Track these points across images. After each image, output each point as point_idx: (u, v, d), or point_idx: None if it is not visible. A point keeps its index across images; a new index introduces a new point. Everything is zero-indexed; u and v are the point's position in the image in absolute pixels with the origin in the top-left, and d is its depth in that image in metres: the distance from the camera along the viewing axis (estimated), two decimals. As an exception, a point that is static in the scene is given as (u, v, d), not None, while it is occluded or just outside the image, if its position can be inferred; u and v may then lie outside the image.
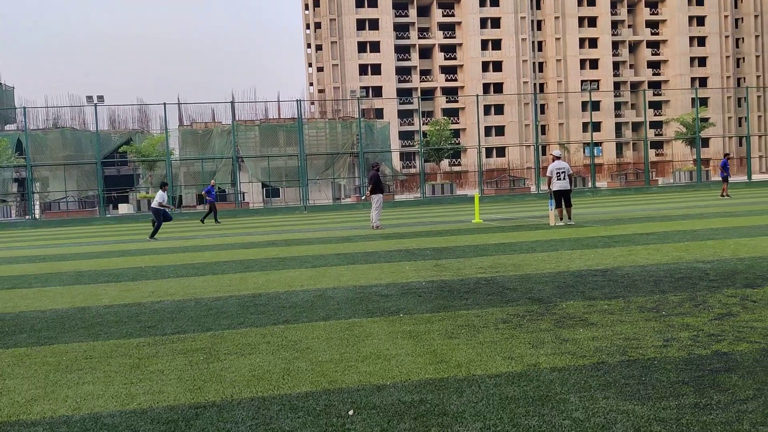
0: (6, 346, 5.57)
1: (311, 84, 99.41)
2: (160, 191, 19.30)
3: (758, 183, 43.94)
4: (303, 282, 8.47)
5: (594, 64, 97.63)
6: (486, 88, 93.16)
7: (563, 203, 16.08)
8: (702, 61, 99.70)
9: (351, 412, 3.54)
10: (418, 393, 3.80)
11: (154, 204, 19.19)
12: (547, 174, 16.26)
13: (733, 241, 10.60)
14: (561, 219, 16.21)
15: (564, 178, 15.83)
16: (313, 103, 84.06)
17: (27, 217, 40.66)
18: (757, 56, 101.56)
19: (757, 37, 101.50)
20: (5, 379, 4.57)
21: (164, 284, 8.95)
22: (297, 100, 41.67)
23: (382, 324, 5.73)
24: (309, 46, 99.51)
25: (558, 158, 16.19)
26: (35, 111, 46.67)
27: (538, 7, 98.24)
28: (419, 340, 5.09)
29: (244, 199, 43.70)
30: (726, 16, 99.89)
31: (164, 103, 40.58)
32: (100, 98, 39.11)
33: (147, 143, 43.33)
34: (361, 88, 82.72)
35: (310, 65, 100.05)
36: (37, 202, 42.18)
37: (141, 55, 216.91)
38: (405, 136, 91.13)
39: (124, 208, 44.96)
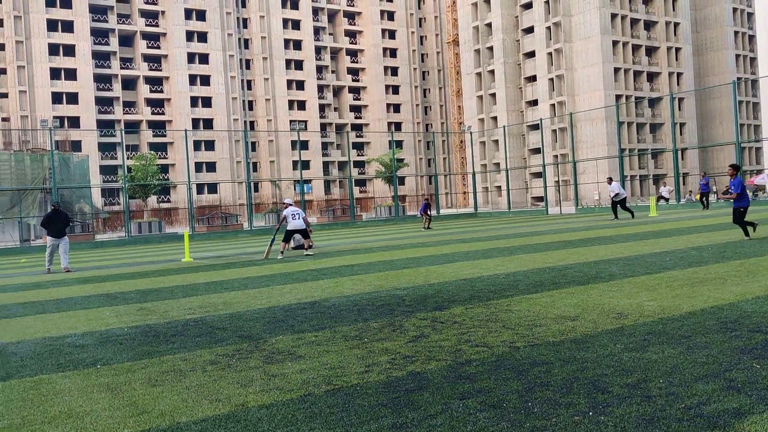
0: None
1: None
2: None
3: (446, 216, 49.59)
4: (-22, 337, 7.30)
5: (302, 105, 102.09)
6: (196, 123, 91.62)
7: (292, 240, 18.09)
8: (397, 108, 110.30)
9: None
10: (115, 451, 3.46)
11: None
12: (283, 214, 17.87)
13: (424, 269, 11.72)
14: (282, 253, 17.43)
15: (298, 218, 17.47)
16: (-5, 133, 74.55)
17: None
18: (441, 105, 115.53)
19: (440, 88, 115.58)
20: None
21: None
22: (-26, 129, 36.52)
23: (76, 378, 5.16)
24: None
25: (291, 205, 17.97)
26: None
27: (246, 47, 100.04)
28: (118, 392, 4.67)
29: None
30: (415, 69, 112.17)
31: None
32: None
33: None
34: (55, 117, 75.58)
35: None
36: None
37: None
38: (107, 170, 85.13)
39: None
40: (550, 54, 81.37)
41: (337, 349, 5.60)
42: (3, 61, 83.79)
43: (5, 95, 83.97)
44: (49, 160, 41.69)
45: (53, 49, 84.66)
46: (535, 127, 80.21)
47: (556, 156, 78.24)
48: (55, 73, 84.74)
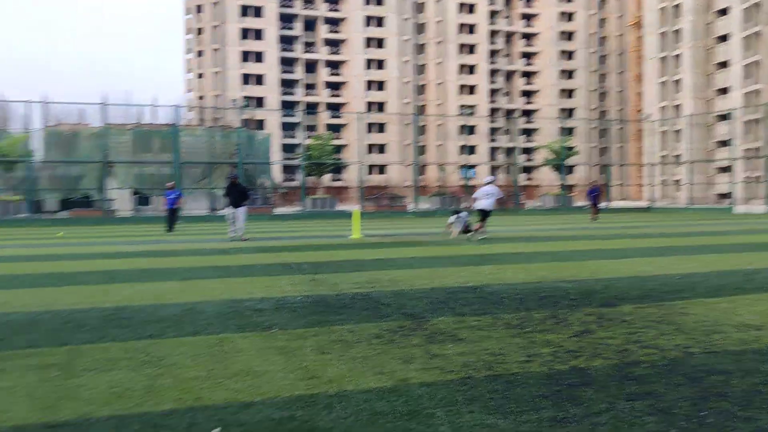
0: None
1: (190, 90, 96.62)
2: None
3: (617, 209, 47.27)
4: (172, 295, 8.14)
5: (472, 89, 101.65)
6: (369, 106, 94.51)
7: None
8: (570, 93, 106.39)
9: (217, 430, 3.42)
10: (288, 409, 3.74)
11: None
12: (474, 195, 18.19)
13: (592, 263, 11.30)
14: (474, 233, 17.68)
15: (491, 198, 17.51)
16: (191, 110, 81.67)
17: None
18: (619, 91, 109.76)
19: (619, 73, 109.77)
20: None
21: (17, 294, 8.31)
22: (174, 106, 40.35)
23: (254, 339, 5.61)
24: (190, 51, 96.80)
25: (490, 183, 17.85)
26: None
27: (421, 32, 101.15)
28: (291, 356, 5.02)
29: (111, 207, 41.57)
30: (593, 53, 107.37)
31: (27, 101, 37.97)
32: (-46, 91, 35.99)
33: (6, 143, 40.31)
34: (244, 97, 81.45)
35: (190, 71, 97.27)
36: None
37: (5, 44, 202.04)
38: (287, 148, 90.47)
39: (-23, 211, 41.42)
40: (746, 38, 74.26)
41: (498, 336, 5.59)
42: (202, 44, 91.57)
43: (201, 75, 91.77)
44: (237, 137, 45.07)
45: (244, 34, 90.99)
46: (724, 117, 73.76)
47: (746, 150, 71.56)
48: (245, 56, 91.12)
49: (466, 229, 18.41)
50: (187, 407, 3.81)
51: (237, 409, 3.77)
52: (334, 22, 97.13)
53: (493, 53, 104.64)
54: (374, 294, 8.02)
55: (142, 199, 45.74)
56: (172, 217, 23.75)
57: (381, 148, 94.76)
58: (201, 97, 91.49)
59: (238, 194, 18.52)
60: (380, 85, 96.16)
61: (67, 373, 4.57)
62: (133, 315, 6.78)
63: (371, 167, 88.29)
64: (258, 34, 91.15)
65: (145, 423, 3.54)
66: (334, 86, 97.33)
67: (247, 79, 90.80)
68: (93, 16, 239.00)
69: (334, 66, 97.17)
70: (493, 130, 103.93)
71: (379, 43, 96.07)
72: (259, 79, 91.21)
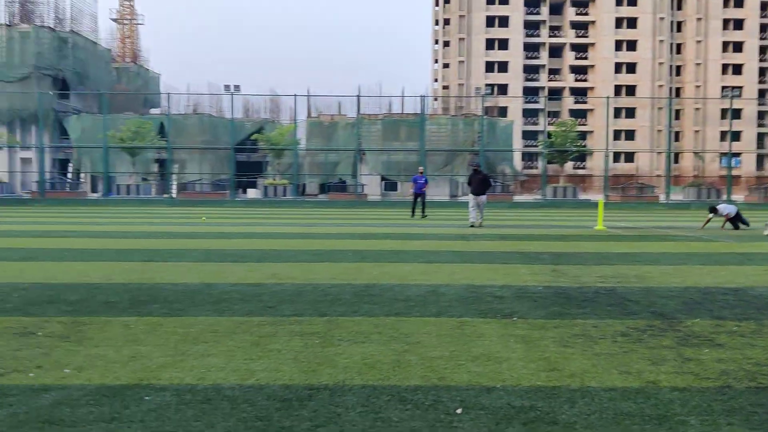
0: (141, 314, 6.02)
1: (436, 80, 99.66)
2: None
3: None
4: (416, 276, 8.54)
5: (737, 69, 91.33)
6: (617, 90, 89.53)
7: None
8: None
9: (459, 411, 3.55)
10: (529, 399, 3.75)
11: None
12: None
13: None
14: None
15: None
16: (436, 99, 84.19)
17: (165, 195, 43.53)
18: None
19: None
20: (139, 345, 4.94)
21: (285, 267, 9.31)
22: (421, 96, 41.91)
23: (495, 326, 5.69)
24: (437, 42, 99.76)
25: None
26: (178, 97, 49.84)
27: (679, 8, 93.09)
28: (532, 345, 5.01)
29: (363, 191, 44.55)
30: None
31: (295, 95, 42.09)
32: (237, 87, 41.11)
33: (277, 132, 45.11)
34: (487, 85, 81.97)
35: (436, 62, 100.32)
36: (175, 183, 45.02)
37: (275, 46, 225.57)
38: (528, 135, 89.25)
39: (252, 193, 47.13)
40: None
41: (763, 345, 5.03)
42: (448, 34, 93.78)
43: (447, 65, 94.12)
44: (479, 125, 45.55)
45: (490, 21, 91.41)
46: None
47: None
48: (489, 44, 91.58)
49: (735, 221, 16.83)
50: (432, 385, 4.00)
51: (478, 392, 3.87)
52: (582, 4, 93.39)
53: (764, 28, 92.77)
54: (620, 289, 7.65)
55: (389, 185, 48.36)
56: (420, 202, 24.10)
57: (629, 135, 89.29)
58: (446, 87, 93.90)
59: (479, 182, 18.82)
60: (631, 68, 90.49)
61: (326, 342, 5.04)
62: (382, 293, 7.25)
63: (618, 155, 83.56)
64: (503, 21, 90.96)
65: (393, 395, 3.79)
66: (580, 70, 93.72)
67: (491, 66, 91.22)
68: (349, 17, 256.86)
69: (581, 49, 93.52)
70: (762, 114, 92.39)
71: (631, 23, 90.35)
72: (502, 66, 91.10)
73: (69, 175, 50.14)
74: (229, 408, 3.56)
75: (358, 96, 43.53)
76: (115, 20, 72.39)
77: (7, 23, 51.62)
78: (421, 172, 24.59)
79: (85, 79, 54.35)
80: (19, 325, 5.53)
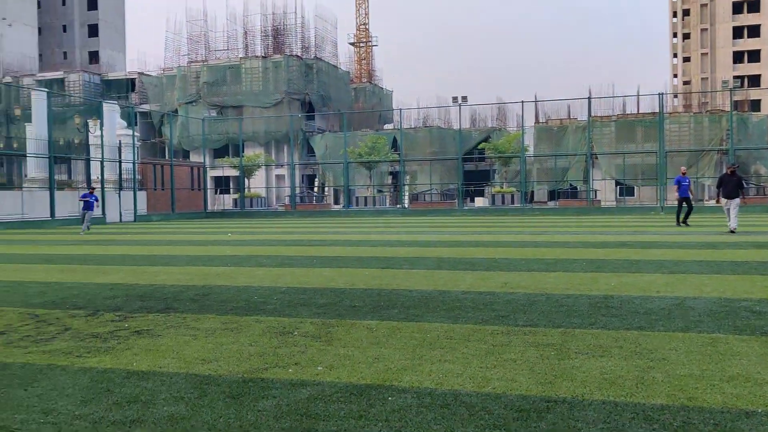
0: (382, 318, 6.38)
1: (675, 76, 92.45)
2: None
3: None
4: (659, 288, 7.99)
5: None
6: None
7: None
8: None
9: (713, 435, 3.27)
10: (799, 428, 3.33)
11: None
12: None
13: None
14: None
15: None
16: (676, 96, 78.12)
17: (398, 205, 45.67)
18: None
19: None
20: (381, 347, 5.24)
21: (516, 276, 9.27)
22: (659, 94, 39.13)
23: (753, 344, 5.13)
24: (675, 35, 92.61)
25: None
26: (408, 112, 52.14)
27: None
28: (801, 367, 4.43)
29: (596, 197, 42.71)
30: None
31: (522, 102, 41.73)
32: (464, 98, 41.85)
33: (503, 140, 45.10)
34: (735, 77, 74.14)
35: (675, 56, 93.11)
36: (407, 193, 47.05)
37: (499, 53, 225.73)
38: (789, 130, 78.95)
39: (480, 201, 47.59)
40: None
41: None
42: (688, 26, 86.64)
43: (688, 59, 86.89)
44: (727, 121, 41.38)
45: (737, 8, 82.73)
46: None
47: None
48: (737, 32, 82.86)
49: None
50: (680, 405, 3.72)
51: (735, 416, 3.52)
52: None
53: None
54: None
55: (624, 190, 45.84)
56: (687, 207, 21.47)
57: None
58: (687, 82, 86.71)
59: (734, 185, 17.15)
60: None
61: (562, 354, 4.93)
62: (621, 305, 6.89)
63: None
64: (753, 6, 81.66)
65: (637, 414, 3.60)
66: None
67: (739, 56, 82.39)
68: (577, 16, 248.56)
69: None
70: None
71: None
72: (753, 56, 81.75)
73: (315, 189, 54.79)
74: (467, 414, 3.64)
75: (589, 98, 41.90)
76: (352, 44, 77.79)
77: (263, 55, 57.95)
78: (684, 173, 21.79)
79: (327, 100, 59.10)
80: (278, 325, 6.17)
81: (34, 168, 39.20)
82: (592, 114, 42.75)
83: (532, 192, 48.53)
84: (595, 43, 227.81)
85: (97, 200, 25.02)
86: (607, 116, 47.31)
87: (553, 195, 47.40)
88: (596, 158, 45.11)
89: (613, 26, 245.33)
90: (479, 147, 49.03)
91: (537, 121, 51.25)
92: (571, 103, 50.27)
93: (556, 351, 5.02)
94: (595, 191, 43.37)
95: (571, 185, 46.40)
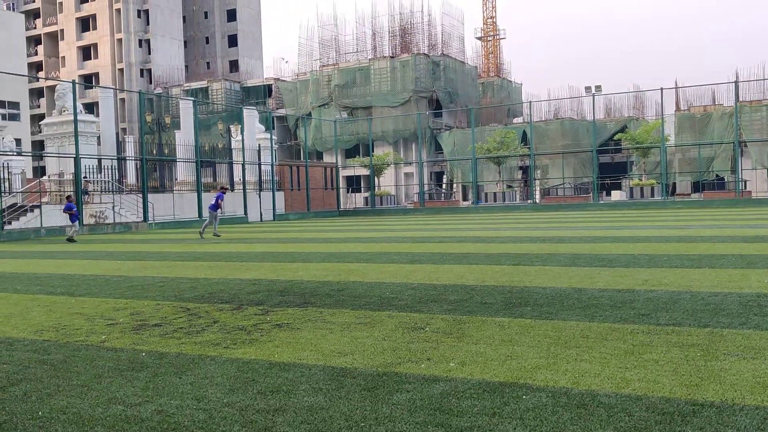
0: (513, 316, 6.30)
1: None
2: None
3: None
4: (822, 286, 7.31)
5: None
6: None
7: None
8: None
9: None
10: None
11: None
12: None
13: None
14: None
15: None
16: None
17: (529, 201, 44.74)
18: None
19: None
20: (513, 345, 5.18)
21: (658, 273, 8.82)
22: (820, 73, 35.64)
23: None
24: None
25: None
26: (538, 104, 50.89)
27: None
28: None
29: (745, 188, 39.65)
30: None
31: (661, 89, 39.47)
32: (598, 88, 40.35)
33: (641, 130, 42.95)
34: None
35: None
36: (538, 188, 45.98)
37: (634, 36, 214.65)
38: None
39: (616, 195, 45.60)
40: None
41: None
42: None
43: None
44: None
45: None
46: None
47: None
48: None
49: None
50: None
51: None
52: None
53: None
54: None
55: (779, 180, 42.19)
56: None
57: None
58: None
59: None
60: None
61: (709, 355, 4.65)
62: (776, 304, 6.38)
63: None
64: None
65: (796, 421, 3.33)
66: None
67: None
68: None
69: None
70: None
71: None
72: None
73: (443, 186, 54.87)
74: (605, 415, 3.53)
75: (736, 82, 38.95)
76: (479, 38, 77.06)
77: (391, 55, 58.76)
78: None
79: (454, 96, 58.95)
80: (410, 320, 6.26)
81: (183, 172, 42.12)
82: (740, 99, 39.71)
83: (674, 184, 45.84)
84: (741, 20, 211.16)
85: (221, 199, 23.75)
86: (757, 101, 43.75)
87: (697, 187, 44.54)
88: (745, 146, 41.88)
89: (762, 1, 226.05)
90: (615, 138, 47.01)
91: (678, 108, 48.32)
92: (716, 87, 46.96)
93: (703, 352, 4.74)
94: (745, 182, 40.26)
95: (717, 176, 43.40)
